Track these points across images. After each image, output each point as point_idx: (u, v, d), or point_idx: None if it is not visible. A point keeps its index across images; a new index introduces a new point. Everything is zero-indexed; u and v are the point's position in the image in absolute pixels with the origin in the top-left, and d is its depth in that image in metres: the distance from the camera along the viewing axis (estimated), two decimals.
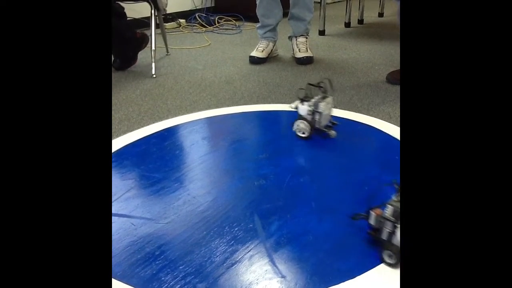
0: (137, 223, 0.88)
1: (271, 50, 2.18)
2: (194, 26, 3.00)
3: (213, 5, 3.34)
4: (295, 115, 1.42)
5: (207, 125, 1.37)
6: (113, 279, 0.73)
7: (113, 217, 0.89)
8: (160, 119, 1.44)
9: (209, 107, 1.54)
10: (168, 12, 2.71)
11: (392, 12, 3.29)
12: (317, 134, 1.25)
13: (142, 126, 1.36)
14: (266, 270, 0.74)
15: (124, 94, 1.71)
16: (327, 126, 1.25)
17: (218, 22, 3.03)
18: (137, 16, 2.54)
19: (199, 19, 3.02)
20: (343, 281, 0.71)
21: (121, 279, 0.73)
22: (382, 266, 0.74)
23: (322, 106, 1.19)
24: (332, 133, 1.24)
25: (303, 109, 1.22)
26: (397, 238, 0.73)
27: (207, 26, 2.96)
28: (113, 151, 1.18)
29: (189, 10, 3.18)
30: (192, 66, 2.11)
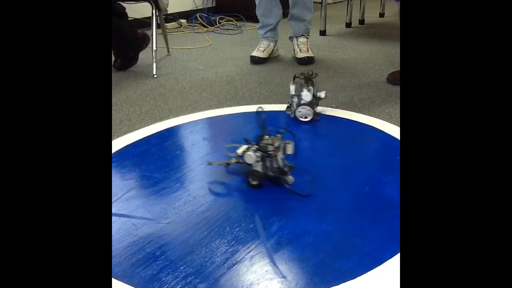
0: (138, 223, 0.88)
1: (272, 50, 2.17)
2: (195, 26, 3.00)
3: (214, 5, 3.34)
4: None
5: (208, 125, 1.37)
6: (113, 279, 0.73)
7: (113, 217, 0.89)
8: (161, 119, 1.44)
9: (210, 107, 1.54)
10: (169, 12, 2.70)
11: (393, 12, 3.29)
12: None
13: (143, 126, 1.36)
14: (266, 271, 0.74)
15: (125, 94, 1.71)
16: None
17: (219, 22, 3.03)
18: (138, 16, 2.54)
19: (200, 19, 3.02)
20: (344, 282, 0.71)
21: (121, 279, 0.73)
22: (382, 266, 0.74)
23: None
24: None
25: (308, 95, 1.31)
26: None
27: (208, 26, 2.96)
28: (114, 151, 1.19)
29: (190, 10, 3.18)
30: (193, 66, 2.11)
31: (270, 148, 0.95)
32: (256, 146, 0.97)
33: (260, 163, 0.97)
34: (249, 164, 0.98)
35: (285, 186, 0.96)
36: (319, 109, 1.39)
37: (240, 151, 0.99)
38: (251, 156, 0.96)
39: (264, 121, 0.98)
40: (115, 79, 1.90)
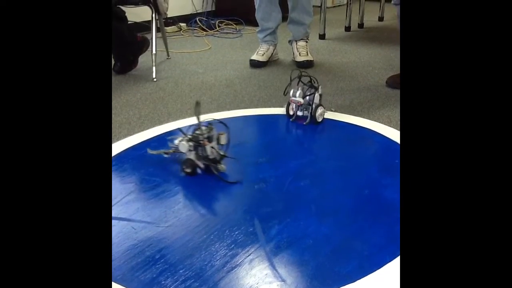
0: (137, 226, 0.87)
1: (272, 54, 2.18)
2: (194, 30, 3.01)
3: (213, 9, 3.35)
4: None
5: None
6: (113, 283, 0.73)
7: (113, 221, 0.89)
8: (161, 122, 1.44)
9: (209, 110, 1.54)
10: (168, 16, 2.71)
11: (392, 16, 3.30)
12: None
13: (143, 130, 1.37)
14: (266, 274, 0.74)
15: (124, 98, 1.71)
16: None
17: (219, 26, 3.04)
18: (138, 20, 2.55)
19: (199, 23, 3.03)
20: (343, 285, 0.71)
21: (121, 282, 0.73)
22: (382, 269, 0.74)
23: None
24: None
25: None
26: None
27: (208, 30, 2.97)
28: (113, 154, 1.19)
29: (190, 14, 3.19)
30: (193, 69, 2.11)
31: (200, 138, 1.02)
32: (190, 136, 1.04)
33: (193, 152, 1.04)
34: (184, 153, 1.05)
35: (214, 173, 1.03)
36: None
37: (176, 141, 1.07)
38: (185, 146, 1.03)
39: (199, 113, 1.04)
40: (114, 82, 1.91)
